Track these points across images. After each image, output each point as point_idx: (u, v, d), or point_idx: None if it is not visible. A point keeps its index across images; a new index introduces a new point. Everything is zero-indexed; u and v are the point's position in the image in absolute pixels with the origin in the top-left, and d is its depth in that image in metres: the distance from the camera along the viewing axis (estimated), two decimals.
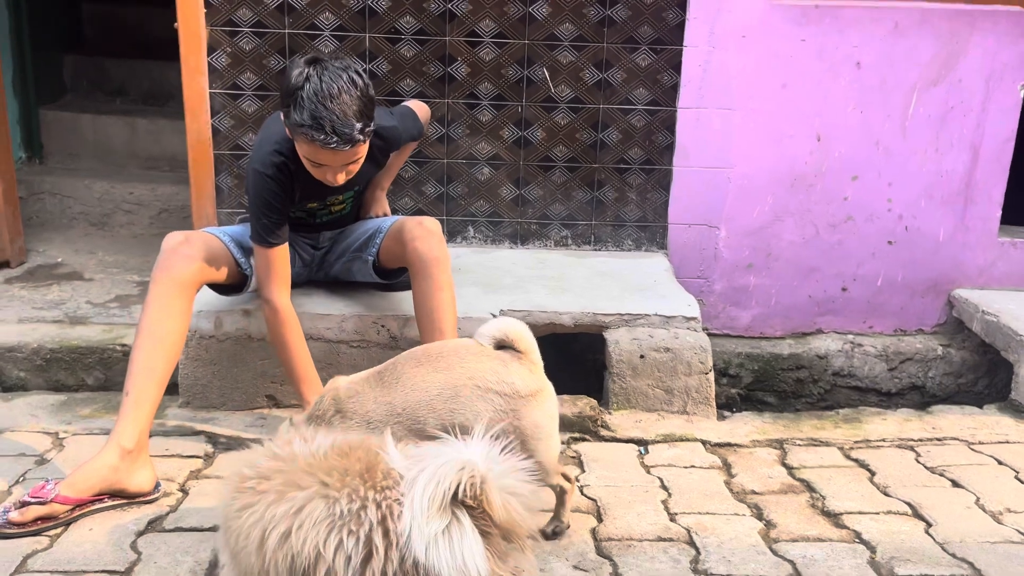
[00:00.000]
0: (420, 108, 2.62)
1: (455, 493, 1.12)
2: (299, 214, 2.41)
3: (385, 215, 2.61)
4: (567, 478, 1.91)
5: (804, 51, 2.95)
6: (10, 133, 3.45)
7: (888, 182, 3.08)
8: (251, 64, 2.88)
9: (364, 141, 2.08)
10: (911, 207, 3.11)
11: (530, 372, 1.81)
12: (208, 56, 2.86)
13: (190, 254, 2.16)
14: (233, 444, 2.32)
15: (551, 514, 1.95)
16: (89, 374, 2.70)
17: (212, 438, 2.35)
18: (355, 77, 2.04)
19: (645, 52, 2.96)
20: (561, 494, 1.91)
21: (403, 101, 2.95)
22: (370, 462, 1.23)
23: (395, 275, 2.49)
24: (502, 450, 1.23)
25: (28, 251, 3.51)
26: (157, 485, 2.04)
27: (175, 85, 3.07)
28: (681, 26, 2.93)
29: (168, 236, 2.19)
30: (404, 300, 2.54)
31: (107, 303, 3.08)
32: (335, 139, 2.00)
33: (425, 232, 2.28)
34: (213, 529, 1.90)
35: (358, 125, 2.02)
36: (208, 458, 2.26)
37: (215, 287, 2.38)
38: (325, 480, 1.21)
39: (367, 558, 1.13)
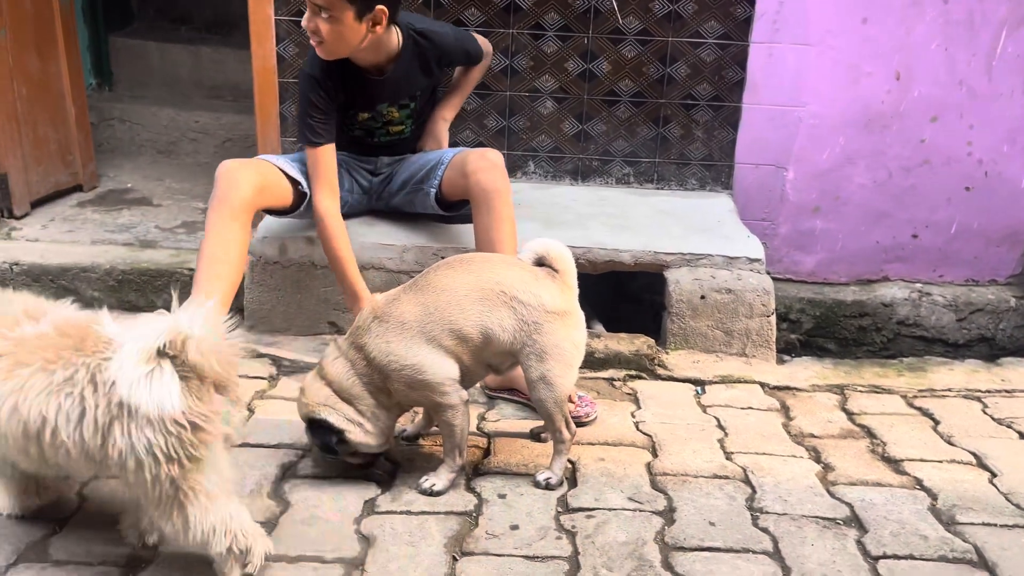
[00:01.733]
0: (482, 40, 2.62)
1: (160, 347, 1.34)
2: (356, 132, 2.42)
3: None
4: (569, 427, 1.88)
5: None
6: (81, 59, 3.51)
7: (969, 124, 2.94)
8: None
9: None
10: (992, 152, 2.97)
11: (561, 292, 1.83)
12: None
13: (242, 180, 2.20)
14: (296, 367, 2.38)
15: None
16: (159, 296, 2.78)
17: (276, 361, 2.41)
18: None
19: None
20: (558, 442, 1.88)
21: (465, 31, 2.91)
22: (84, 335, 1.43)
23: (456, 207, 2.48)
24: (213, 317, 1.43)
25: (99, 176, 3.60)
26: None
27: (238, 14, 3.08)
28: None
29: (221, 164, 2.23)
30: (465, 232, 2.54)
31: (174, 228, 3.15)
32: None
33: (488, 164, 2.27)
34: (278, 446, 1.97)
35: None
36: (272, 380, 2.32)
37: (272, 212, 2.41)
38: (47, 357, 1.41)
39: (82, 414, 1.38)
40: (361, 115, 2.39)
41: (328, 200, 2.28)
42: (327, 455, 1.85)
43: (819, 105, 2.93)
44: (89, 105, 3.63)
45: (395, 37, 2.33)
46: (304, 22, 2.18)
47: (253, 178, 2.22)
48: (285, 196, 2.36)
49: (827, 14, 2.84)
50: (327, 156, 2.28)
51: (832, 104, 2.93)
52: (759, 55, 2.91)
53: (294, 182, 2.36)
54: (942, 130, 2.94)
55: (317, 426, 1.82)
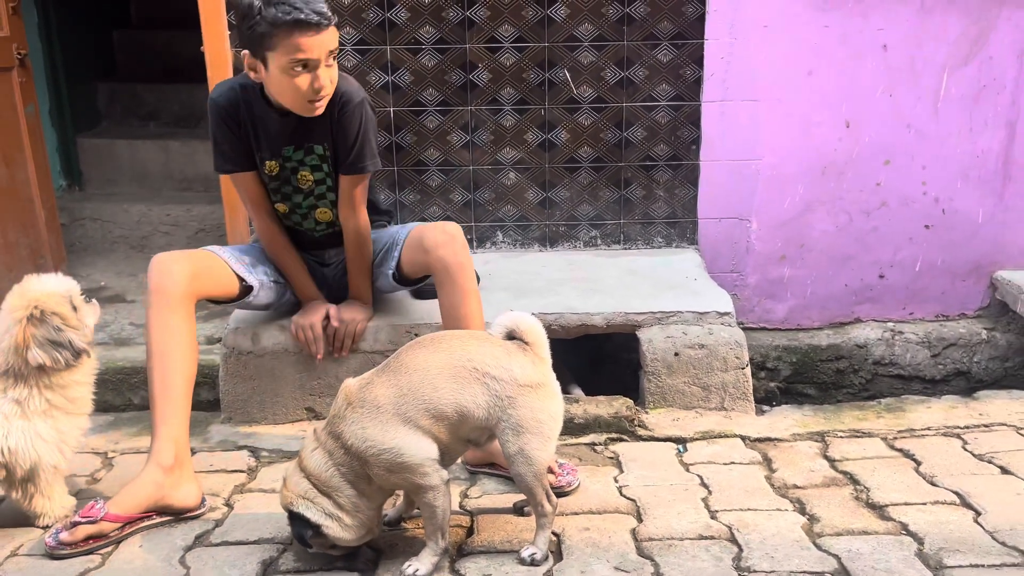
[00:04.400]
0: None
1: None
2: (290, 224, 2.44)
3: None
4: (551, 500, 1.86)
5: (828, 37, 2.91)
6: (49, 163, 3.55)
7: (922, 165, 3.02)
8: None
9: (334, 26, 2.10)
10: (947, 189, 3.04)
11: (533, 364, 1.83)
12: (234, 76, 2.90)
13: (174, 270, 2.16)
14: (276, 458, 2.36)
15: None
16: (135, 394, 2.76)
17: (255, 452, 2.39)
18: None
19: (666, 48, 2.95)
20: (541, 516, 1.85)
21: (426, 111, 2.99)
22: None
23: (418, 282, 2.49)
24: None
25: (72, 276, 3.59)
26: (203, 500, 2.09)
27: (205, 106, 3.13)
28: (701, 19, 2.91)
29: (154, 258, 2.19)
30: (435, 306, 2.56)
31: None
32: (315, 15, 2.02)
33: (448, 238, 2.26)
34: (258, 542, 1.94)
35: (325, 3, 2.08)
36: (251, 472, 2.30)
37: (216, 301, 2.39)
38: None
39: None
40: (269, 163, 2.32)
41: (266, 221, 2.39)
42: (303, 546, 1.83)
43: (774, 157, 3.01)
44: (60, 206, 3.66)
45: None
46: (319, 83, 2.10)
47: (185, 266, 2.18)
48: (227, 285, 2.32)
49: (773, 70, 2.94)
50: (248, 181, 2.35)
51: (787, 155, 3.01)
52: (712, 113, 2.99)
53: (236, 272, 2.34)
54: (896, 172, 3.02)
55: (295, 518, 1.81)
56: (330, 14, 2.07)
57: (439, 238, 2.26)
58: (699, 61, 2.95)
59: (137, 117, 4.69)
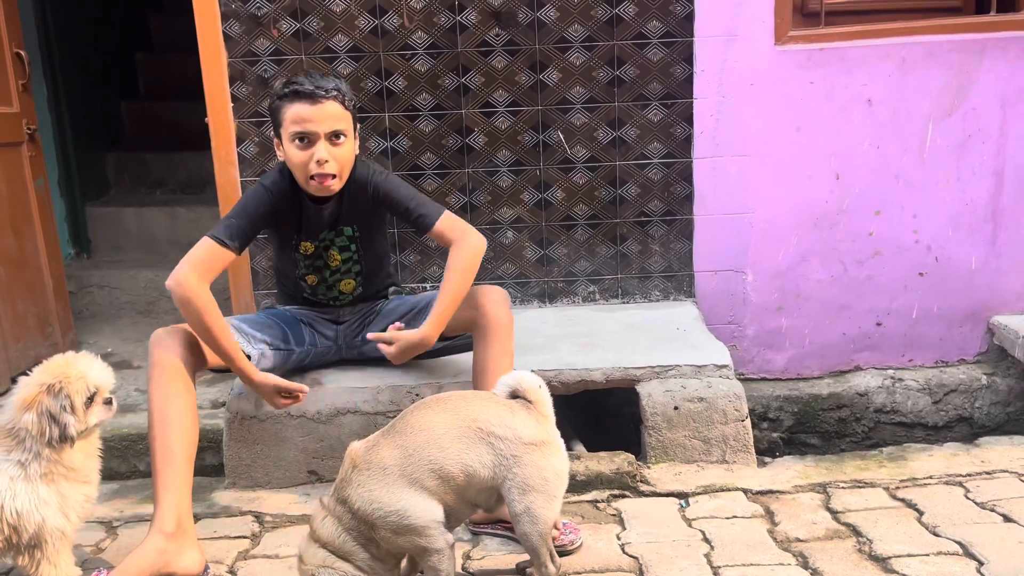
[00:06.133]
0: (469, 235, 2.36)
1: None
2: (308, 292, 2.49)
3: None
4: (555, 561, 1.86)
5: (814, 93, 2.99)
6: (58, 232, 3.63)
7: (912, 214, 3.07)
8: None
9: (343, 104, 2.23)
10: (939, 237, 3.09)
11: (537, 422, 1.85)
12: (237, 147, 3.00)
13: (172, 343, 2.22)
14: (279, 522, 2.37)
15: None
16: (140, 460, 2.78)
17: (258, 517, 2.40)
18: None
19: (656, 107, 3.03)
20: None
21: (425, 174, 3.06)
22: None
23: (447, 340, 2.47)
24: None
25: (80, 343, 3.65)
26: (206, 568, 2.09)
27: (210, 172, 3.22)
28: (690, 79, 3.00)
29: (153, 333, 2.26)
30: (437, 368, 2.59)
31: None
32: (311, 87, 2.19)
33: (500, 297, 2.35)
34: None
35: (334, 83, 2.23)
36: (255, 538, 2.30)
37: (217, 370, 2.42)
38: None
39: None
40: (304, 244, 2.41)
41: (194, 276, 2.17)
42: None
43: (767, 210, 3.07)
44: (68, 274, 3.73)
45: None
46: (319, 158, 2.19)
47: (183, 337, 2.25)
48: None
49: (762, 127, 3.01)
50: (222, 258, 2.24)
51: (779, 208, 3.07)
52: (703, 169, 3.06)
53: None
54: (887, 222, 3.07)
55: None
56: (332, 90, 2.21)
57: (492, 296, 2.34)
58: (689, 119, 3.03)
59: (145, 185, 4.80)
